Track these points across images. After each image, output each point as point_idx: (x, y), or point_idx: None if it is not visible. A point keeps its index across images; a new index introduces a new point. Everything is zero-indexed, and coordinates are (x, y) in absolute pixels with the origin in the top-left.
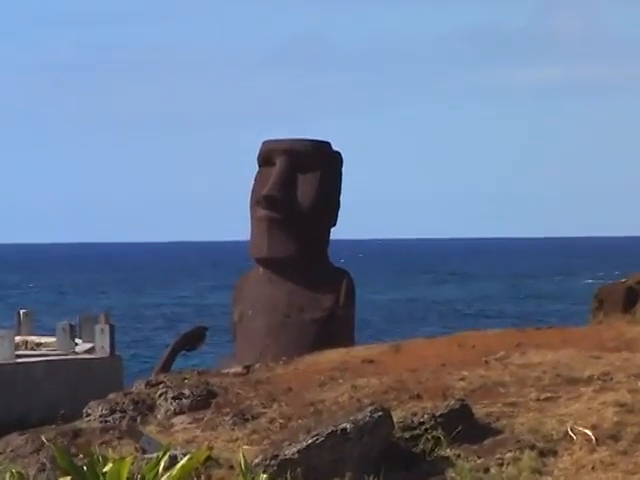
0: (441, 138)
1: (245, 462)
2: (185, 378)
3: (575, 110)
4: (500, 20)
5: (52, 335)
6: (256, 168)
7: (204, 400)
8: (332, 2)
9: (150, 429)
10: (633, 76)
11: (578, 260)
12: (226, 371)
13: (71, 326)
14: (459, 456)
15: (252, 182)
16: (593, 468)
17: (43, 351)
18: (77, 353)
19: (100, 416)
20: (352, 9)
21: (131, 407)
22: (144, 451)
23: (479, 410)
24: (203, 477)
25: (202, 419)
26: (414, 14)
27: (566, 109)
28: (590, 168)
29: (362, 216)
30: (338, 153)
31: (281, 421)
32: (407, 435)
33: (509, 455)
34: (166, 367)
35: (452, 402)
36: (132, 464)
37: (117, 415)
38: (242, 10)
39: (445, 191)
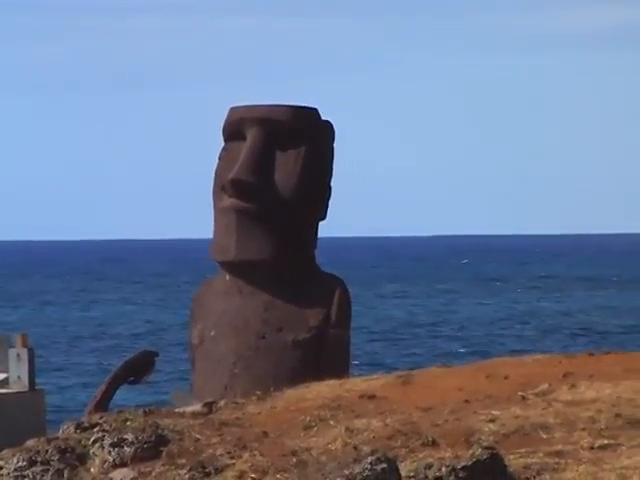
0: (463, 99)
1: None
2: (127, 419)
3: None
4: None
5: None
6: (221, 143)
7: (152, 448)
8: None
9: None
10: None
11: None
12: (182, 410)
13: None
14: None
15: (216, 161)
16: None
17: None
18: None
19: (15, 470)
20: None
21: (56, 457)
22: None
23: (514, 461)
24: None
25: (150, 473)
26: None
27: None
28: None
29: (352, 207)
30: (329, 123)
31: (253, 476)
32: None
33: None
34: (103, 404)
35: (478, 451)
36: None
37: (38, 468)
38: None
39: (468, 173)
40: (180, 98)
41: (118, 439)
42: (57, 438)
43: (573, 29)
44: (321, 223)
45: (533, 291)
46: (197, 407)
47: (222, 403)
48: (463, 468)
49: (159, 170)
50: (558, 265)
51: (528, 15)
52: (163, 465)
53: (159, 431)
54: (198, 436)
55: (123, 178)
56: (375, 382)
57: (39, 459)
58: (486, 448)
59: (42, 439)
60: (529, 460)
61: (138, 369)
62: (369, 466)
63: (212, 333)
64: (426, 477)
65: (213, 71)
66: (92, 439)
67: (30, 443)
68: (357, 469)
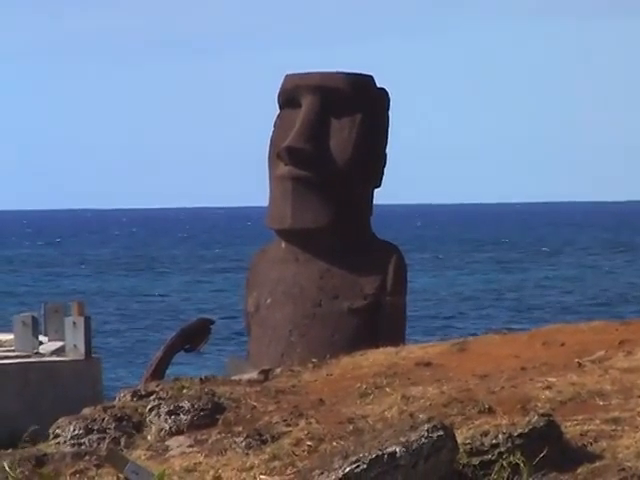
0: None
1: None
2: (184, 387)
3: None
4: None
5: (7, 332)
6: (276, 110)
7: (209, 416)
8: None
9: (138, 454)
10: None
11: None
12: (238, 378)
13: (34, 319)
14: None
15: (271, 129)
16: None
17: None
18: (42, 354)
19: (72, 437)
20: None
21: (113, 425)
22: None
23: (570, 428)
24: None
25: (206, 441)
26: None
27: None
28: None
29: (406, 174)
30: (384, 90)
31: (310, 443)
32: (476, 461)
33: None
34: (159, 373)
35: (535, 418)
36: None
37: (94, 436)
38: None
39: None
40: (235, 65)
41: (174, 407)
42: (113, 406)
43: None
44: (376, 191)
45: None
46: (253, 375)
47: (278, 371)
48: (519, 435)
49: (213, 137)
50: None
51: None
52: (219, 433)
53: (215, 399)
54: (254, 404)
55: (178, 145)
56: (431, 349)
57: (95, 427)
58: (542, 415)
59: (99, 407)
60: (585, 427)
61: (194, 336)
62: (425, 434)
63: (268, 301)
64: (482, 444)
65: (266, 38)
66: (148, 407)
67: (86, 411)
68: (413, 437)
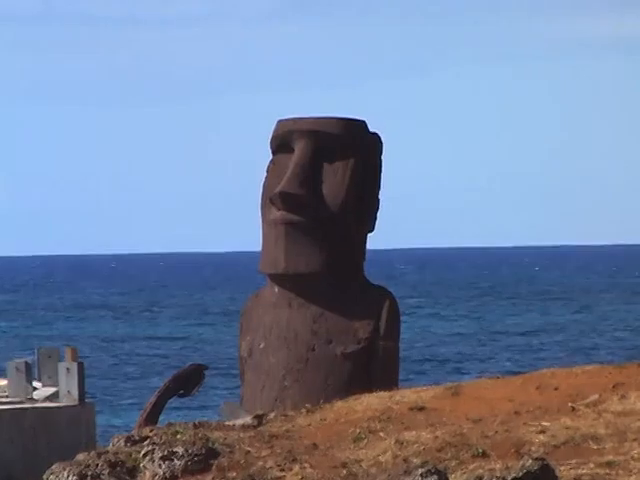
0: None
1: None
2: (178, 432)
3: None
4: None
5: (1, 377)
6: (269, 155)
7: (203, 461)
8: None
9: None
10: None
11: None
12: (232, 423)
13: (27, 365)
14: None
15: (264, 174)
16: None
17: None
18: (35, 400)
19: None
20: None
21: (107, 471)
22: None
23: (565, 472)
24: None
25: None
26: None
27: None
28: None
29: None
30: (377, 135)
31: None
32: None
33: None
34: (153, 418)
35: (529, 462)
36: None
37: None
38: None
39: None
40: (226, 111)
41: (168, 452)
42: (107, 452)
43: None
44: (369, 235)
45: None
46: (247, 420)
47: (272, 415)
48: (514, 479)
49: (205, 183)
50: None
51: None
52: (213, 478)
53: (209, 444)
54: (248, 449)
55: (168, 191)
56: (424, 394)
57: (89, 473)
58: (536, 459)
59: (92, 453)
60: (580, 471)
61: (188, 382)
62: (419, 478)
63: (261, 345)
64: None
65: (259, 83)
66: (142, 452)
67: (80, 457)
68: None
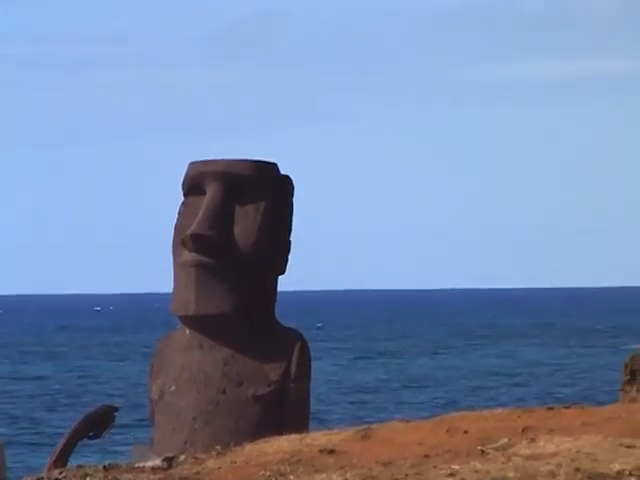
0: (428, 152)
1: None
2: (87, 474)
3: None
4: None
5: None
6: (180, 197)
7: None
8: None
9: None
10: None
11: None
12: (141, 465)
13: None
14: None
15: (175, 216)
16: None
17: None
18: None
19: None
20: None
21: None
22: None
23: None
24: None
25: None
26: None
27: (588, 111)
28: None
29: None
30: (288, 178)
31: None
32: None
33: None
34: (62, 460)
35: None
36: None
37: None
38: None
39: (429, 225)
40: (138, 152)
41: None
42: None
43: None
44: (280, 278)
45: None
46: (157, 462)
47: (182, 458)
48: None
49: (117, 225)
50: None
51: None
52: None
53: None
54: None
55: (80, 233)
56: (335, 436)
57: None
58: None
59: None
60: None
61: (98, 423)
62: None
63: (172, 388)
64: None
65: (171, 125)
66: None
67: None
68: None
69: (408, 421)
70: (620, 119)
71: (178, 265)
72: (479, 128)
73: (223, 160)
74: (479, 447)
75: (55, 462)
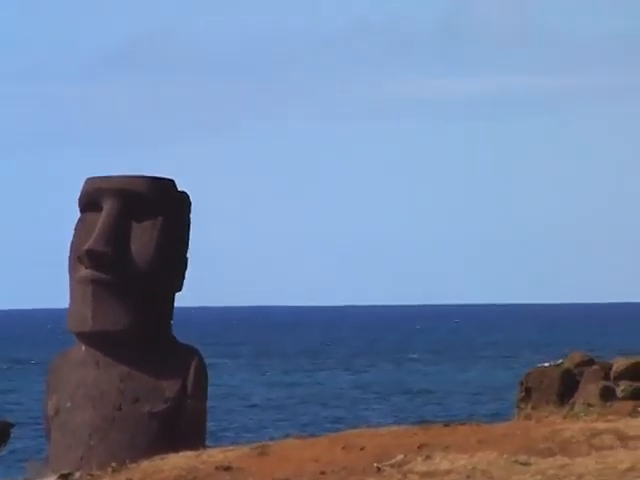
0: (325, 170)
1: None
2: None
3: (504, 130)
4: (406, 16)
5: None
6: (77, 214)
7: None
8: None
9: None
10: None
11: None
12: None
13: None
14: None
15: (72, 232)
16: None
17: None
18: None
19: None
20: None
21: None
22: None
23: None
24: None
25: None
26: (295, 8)
27: (497, 130)
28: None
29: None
30: (185, 194)
31: None
32: None
33: None
34: None
35: None
36: None
37: None
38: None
39: (330, 241)
40: (35, 168)
41: None
42: None
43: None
44: (177, 294)
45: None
46: (52, 479)
47: (77, 475)
48: None
49: (15, 240)
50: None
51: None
52: None
53: None
54: None
55: None
56: (231, 453)
57: None
58: None
59: None
60: None
61: None
62: None
63: (68, 404)
64: None
65: (68, 141)
66: None
67: None
68: None
69: (304, 438)
70: (524, 134)
71: (75, 281)
72: (380, 143)
73: (119, 177)
74: (375, 464)
75: None
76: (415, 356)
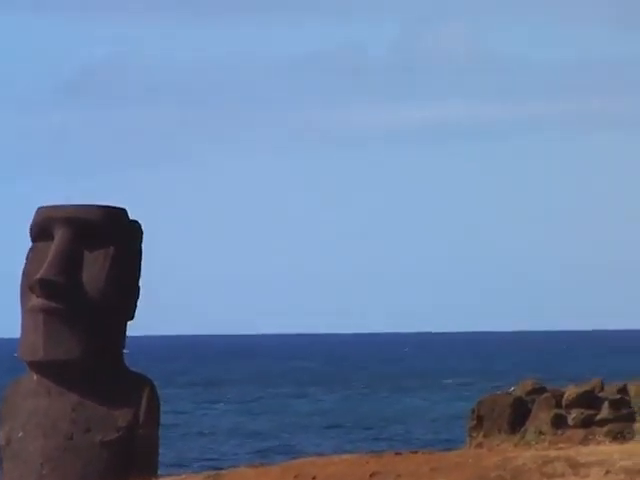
0: (263, 199)
1: None
2: None
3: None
4: (350, 45)
5: None
6: (29, 243)
7: None
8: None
9: None
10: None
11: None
12: None
13: None
14: None
15: (24, 261)
16: None
17: None
18: None
19: None
20: (159, 26)
21: None
22: None
23: None
24: None
25: None
26: (236, 35)
27: (436, 158)
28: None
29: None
30: (137, 223)
31: None
32: None
33: None
34: None
35: None
36: None
37: None
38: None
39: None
40: None
41: None
42: None
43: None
44: (129, 323)
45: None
46: None
47: None
48: None
49: None
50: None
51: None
52: None
53: None
54: None
55: None
56: None
57: None
58: None
59: None
60: None
61: None
62: None
63: (20, 434)
64: None
65: (19, 169)
66: None
67: None
68: None
69: (257, 466)
70: (467, 164)
71: (26, 311)
72: (328, 171)
73: (71, 205)
74: None
75: None
76: (365, 385)
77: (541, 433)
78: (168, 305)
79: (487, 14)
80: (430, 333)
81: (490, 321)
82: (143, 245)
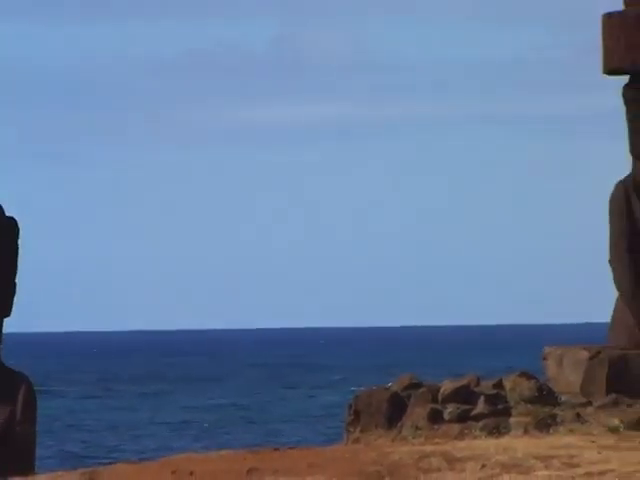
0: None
1: None
2: None
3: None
4: (235, 44)
5: None
6: None
7: None
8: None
9: None
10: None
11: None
12: None
13: None
14: None
15: None
16: None
17: None
18: None
19: None
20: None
21: None
22: None
23: None
24: None
25: None
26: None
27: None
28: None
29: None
30: (13, 220)
31: None
32: None
33: None
34: None
35: None
36: None
37: None
38: None
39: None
40: None
41: None
42: None
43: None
44: (6, 320)
45: None
46: None
47: None
48: None
49: None
50: None
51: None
52: None
53: None
54: None
55: None
56: (60, 479)
57: None
58: None
59: None
60: None
61: None
62: None
63: None
64: None
65: None
66: None
67: None
68: None
69: (134, 463)
70: (343, 164)
71: None
72: (218, 170)
73: None
74: None
75: None
76: (248, 380)
77: (418, 428)
78: (62, 302)
79: (366, 15)
80: (314, 328)
81: (382, 316)
82: (20, 242)
